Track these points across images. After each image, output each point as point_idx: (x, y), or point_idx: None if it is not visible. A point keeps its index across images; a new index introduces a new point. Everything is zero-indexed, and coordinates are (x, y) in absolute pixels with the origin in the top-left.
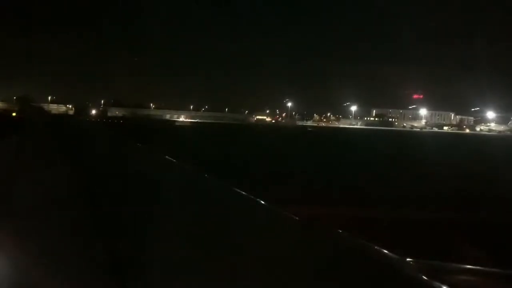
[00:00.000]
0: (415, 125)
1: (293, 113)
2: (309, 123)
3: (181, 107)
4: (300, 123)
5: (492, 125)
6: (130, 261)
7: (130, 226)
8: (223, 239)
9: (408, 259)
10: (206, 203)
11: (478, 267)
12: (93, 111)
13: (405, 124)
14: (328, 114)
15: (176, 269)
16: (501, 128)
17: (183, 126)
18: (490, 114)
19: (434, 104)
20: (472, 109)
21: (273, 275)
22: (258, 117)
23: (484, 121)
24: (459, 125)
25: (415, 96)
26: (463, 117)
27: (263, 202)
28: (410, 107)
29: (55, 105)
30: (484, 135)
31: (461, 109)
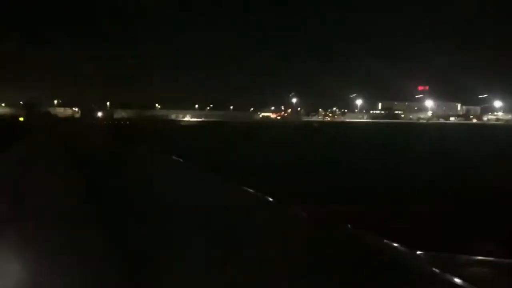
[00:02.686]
0: (422, 117)
1: (298, 108)
2: (315, 118)
3: (186, 107)
4: (305, 118)
5: (500, 115)
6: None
7: (135, 221)
8: (231, 235)
9: (418, 252)
10: (213, 201)
11: (488, 258)
12: (100, 114)
13: (411, 116)
14: (334, 108)
15: (183, 264)
16: (509, 117)
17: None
18: (497, 103)
19: (440, 95)
20: (480, 96)
21: (283, 269)
22: (263, 114)
23: (491, 110)
24: (466, 115)
25: (420, 88)
26: (470, 107)
27: (271, 199)
28: (416, 97)
29: (62, 108)
30: (492, 124)
31: (467, 99)
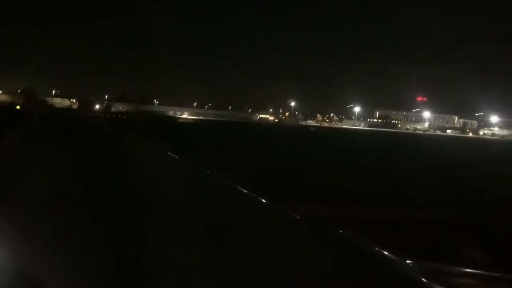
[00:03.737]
0: (418, 127)
1: (296, 112)
2: (312, 123)
3: (184, 104)
4: (303, 122)
5: (496, 130)
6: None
7: (126, 221)
8: (222, 237)
9: (407, 261)
10: (206, 200)
11: (477, 271)
12: (97, 106)
13: (408, 127)
14: (331, 114)
15: (177, 268)
16: (505, 132)
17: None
18: (494, 119)
19: (438, 107)
20: (476, 114)
21: (272, 273)
22: (261, 116)
23: (488, 125)
24: (463, 129)
25: (419, 99)
26: (467, 120)
27: (264, 201)
28: (413, 110)
29: (59, 99)
30: (487, 139)
31: (464, 113)
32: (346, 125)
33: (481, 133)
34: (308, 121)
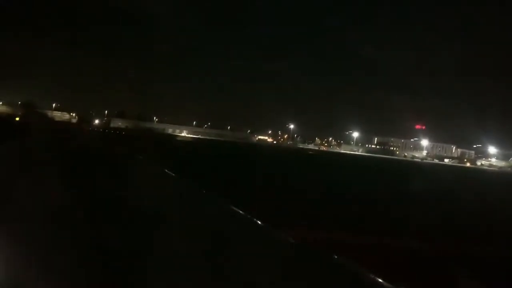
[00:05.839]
0: (416, 155)
1: (295, 135)
2: (311, 146)
3: (183, 122)
4: (301, 145)
5: (493, 161)
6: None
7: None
8: (216, 258)
9: None
10: (202, 220)
11: None
12: (96, 121)
13: (406, 154)
14: (330, 139)
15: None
16: (502, 164)
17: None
18: (492, 150)
19: (436, 136)
20: (474, 146)
21: None
22: (260, 137)
23: (485, 156)
24: (460, 158)
25: (417, 126)
26: (465, 150)
27: (260, 223)
28: (412, 139)
29: (59, 112)
30: (485, 170)
31: (462, 143)
32: (344, 150)
33: (478, 163)
34: (311, 145)
